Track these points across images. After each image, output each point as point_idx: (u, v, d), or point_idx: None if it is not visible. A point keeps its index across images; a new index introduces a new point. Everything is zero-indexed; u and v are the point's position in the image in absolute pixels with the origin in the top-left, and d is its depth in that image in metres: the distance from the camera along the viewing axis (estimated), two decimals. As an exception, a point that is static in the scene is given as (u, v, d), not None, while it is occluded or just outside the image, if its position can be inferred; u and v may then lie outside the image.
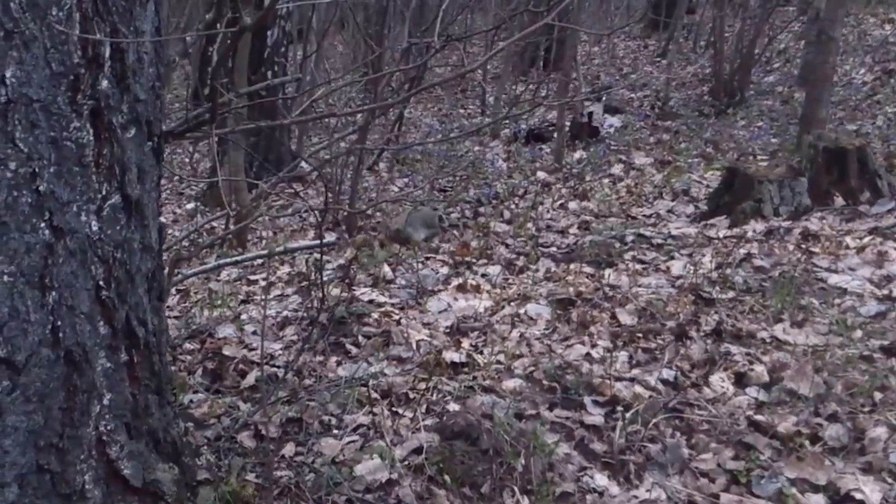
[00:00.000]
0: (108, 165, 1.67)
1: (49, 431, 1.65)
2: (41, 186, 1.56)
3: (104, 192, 1.67)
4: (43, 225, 1.58)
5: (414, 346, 2.98)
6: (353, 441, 2.22)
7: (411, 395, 2.49)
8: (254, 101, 4.16)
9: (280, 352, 3.10)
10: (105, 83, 1.63)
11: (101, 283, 1.69)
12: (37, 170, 1.55)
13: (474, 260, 4.34)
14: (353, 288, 3.84)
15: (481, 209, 5.72)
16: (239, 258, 3.63)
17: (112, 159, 1.67)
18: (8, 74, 1.49)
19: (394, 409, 2.41)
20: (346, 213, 4.86)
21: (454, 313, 3.37)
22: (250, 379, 2.81)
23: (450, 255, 4.45)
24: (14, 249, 1.55)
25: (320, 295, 3.64)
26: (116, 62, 1.65)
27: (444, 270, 4.15)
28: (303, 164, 6.52)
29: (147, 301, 1.82)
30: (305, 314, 3.54)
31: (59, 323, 1.63)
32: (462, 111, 10.86)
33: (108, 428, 1.75)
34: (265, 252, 3.41)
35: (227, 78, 4.72)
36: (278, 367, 2.91)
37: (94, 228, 1.66)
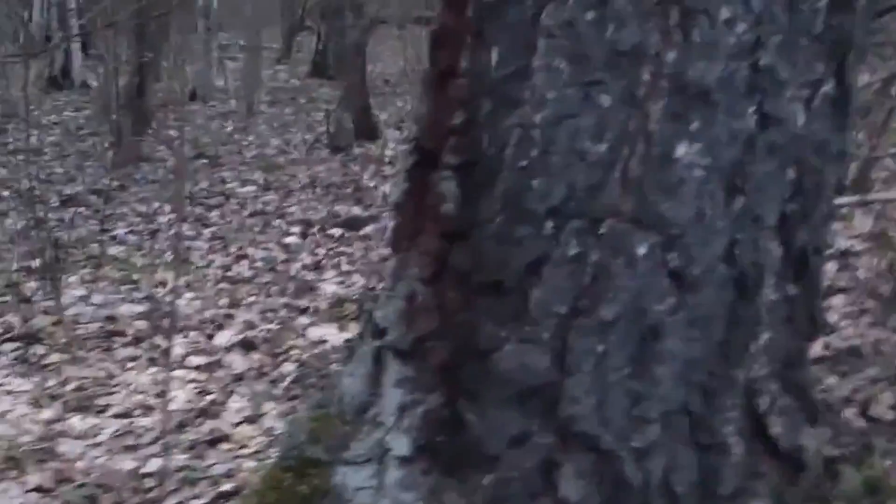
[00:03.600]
0: (832, 41, 1.28)
1: (700, 367, 1.36)
2: (762, 60, 1.22)
3: (819, 76, 1.29)
4: (751, 110, 1.25)
5: None
6: None
7: None
8: None
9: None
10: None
11: (788, 193, 1.33)
12: (761, 37, 1.21)
13: None
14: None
15: None
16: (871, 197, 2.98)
17: (836, 32, 1.28)
18: None
19: None
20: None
21: None
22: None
23: None
24: (715, 137, 1.24)
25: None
26: None
27: None
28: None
29: (827, 222, 1.43)
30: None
31: (739, 236, 1.31)
32: None
33: (761, 374, 1.41)
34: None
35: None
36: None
37: (800, 122, 1.29)
